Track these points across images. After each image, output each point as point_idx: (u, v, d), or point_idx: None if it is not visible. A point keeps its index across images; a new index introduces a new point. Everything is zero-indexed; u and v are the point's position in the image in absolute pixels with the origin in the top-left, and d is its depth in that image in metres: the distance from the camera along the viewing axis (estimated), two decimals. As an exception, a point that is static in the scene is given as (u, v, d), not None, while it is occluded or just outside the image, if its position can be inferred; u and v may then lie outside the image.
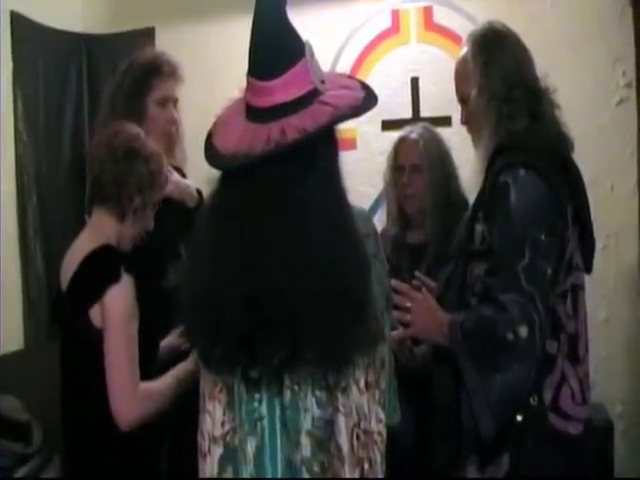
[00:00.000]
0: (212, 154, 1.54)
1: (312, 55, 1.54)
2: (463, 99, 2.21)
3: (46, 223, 3.84)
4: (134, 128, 2.34)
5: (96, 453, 2.17)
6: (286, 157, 1.46)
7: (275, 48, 1.50)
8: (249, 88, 1.53)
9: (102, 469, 2.16)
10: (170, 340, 2.42)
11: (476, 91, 2.11)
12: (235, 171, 1.52)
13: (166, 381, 2.19)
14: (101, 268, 2.14)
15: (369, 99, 1.56)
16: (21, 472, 3.26)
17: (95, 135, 2.36)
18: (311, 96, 1.50)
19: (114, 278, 2.10)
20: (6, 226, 3.72)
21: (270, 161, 1.46)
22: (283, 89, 1.49)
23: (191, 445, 1.70)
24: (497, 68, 2.09)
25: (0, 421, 3.30)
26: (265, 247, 1.46)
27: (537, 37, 3.51)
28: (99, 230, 2.23)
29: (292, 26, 1.53)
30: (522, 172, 1.98)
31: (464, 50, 2.19)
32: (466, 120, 2.23)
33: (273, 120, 1.48)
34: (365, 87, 1.60)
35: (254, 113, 1.52)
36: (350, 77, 1.71)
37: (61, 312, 2.26)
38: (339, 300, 1.45)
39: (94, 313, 2.11)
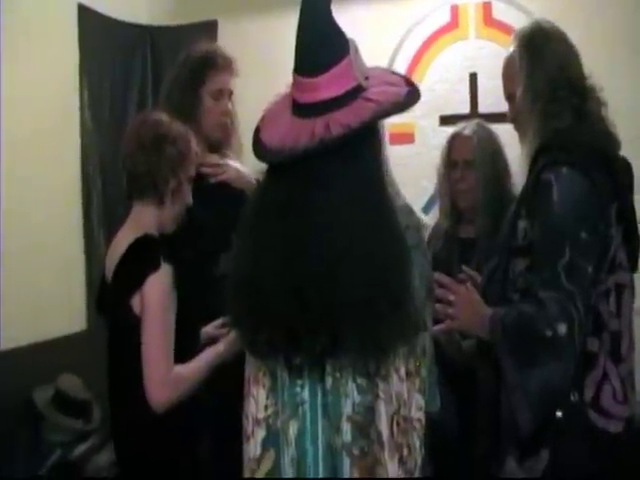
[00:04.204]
0: (259, 147, 1.60)
1: (356, 52, 1.58)
2: (510, 97, 2.22)
3: (109, 210, 3.96)
4: (157, 114, 2.40)
5: (136, 434, 2.25)
6: (330, 152, 1.50)
7: (320, 45, 1.53)
8: (295, 84, 1.58)
9: (142, 449, 2.24)
10: (209, 329, 2.48)
11: (521, 90, 2.12)
12: (280, 164, 1.57)
13: (197, 364, 2.25)
14: (141, 257, 2.21)
15: (412, 95, 1.59)
16: (81, 448, 3.39)
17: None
18: (355, 92, 1.54)
19: (153, 267, 2.16)
20: (71, 213, 3.86)
21: (314, 155, 1.50)
22: (328, 85, 1.53)
23: (234, 430, 1.76)
24: (542, 68, 2.10)
25: (62, 399, 3.43)
26: (308, 238, 1.51)
27: (595, 33, 3.50)
28: (139, 221, 2.30)
29: (337, 24, 1.57)
30: (565, 170, 1.98)
31: (511, 49, 2.21)
32: (513, 118, 2.23)
33: (318, 115, 1.52)
34: (409, 83, 1.63)
35: (300, 108, 1.56)
36: (394, 73, 1.73)
37: (105, 300, 2.34)
38: (378, 291, 1.49)
39: (135, 301, 2.18)
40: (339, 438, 1.55)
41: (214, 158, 2.82)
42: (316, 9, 1.55)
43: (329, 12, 1.56)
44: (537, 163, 2.06)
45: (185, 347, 2.25)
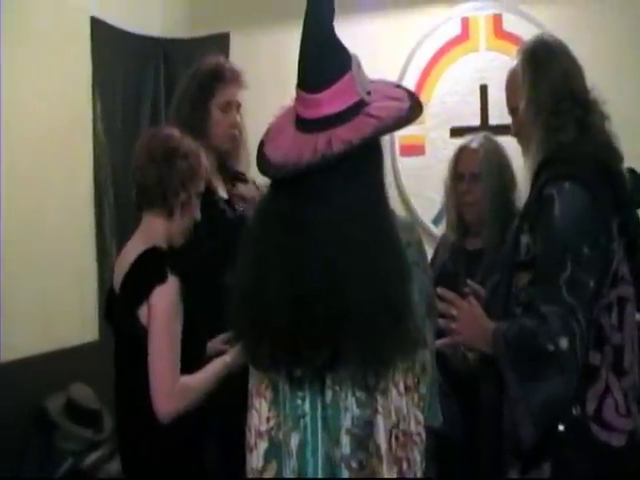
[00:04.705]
0: (263, 162, 1.61)
1: (358, 67, 1.59)
2: (513, 111, 2.23)
3: (121, 220, 3.98)
4: (168, 129, 2.45)
5: (142, 444, 2.27)
6: (332, 167, 1.52)
7: (323, 61, 1.55)
8: (298, 99, 1.59)
9: (148, 459, 2.26)
10: (215, 344, 2.49)
11: (524, 103, 2.13)
12: (283, 179, 1.59)
13: (204, 375, 2.27)
14: (148, 269, 2.24)
15: (414, 110, 1.60)
16: (92, 457, 3.41)
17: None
18: (357, 107, 1.56)
19: (160, 279, 2.19)
20: (83, 223, 3.90)
21: (316, 171, 1.52)
22: (330, 101, 1.54)
23: (238, 440, 1.77)
24: (545, 81, 2.10)
25: (73, 408, 3.46)
26: (309, 254, 1.53)
27: (605, 45, 3.51)
28: (148, 233, 2.33)
29: (339, 39, 1.58)
30: (567, 185, 1.99)
31: (515, 63, 2.22)
32: (516, 131, 2.25)
33: (320, 131, 1.54)
34: (412, 97, 1.65)
35: (303, 124, 1.58)
36: (398, 86, 1.75)
37: (113, 310, 2.37)
38: (379, 306, 1.51)
39: (141, 312, 2.21)
40: (338, 451, 1.56)
41: (249, 190, 2.85)
42: (319, 25, 1.57)
43: (332, 28, 1.58)
44: (540, 177, 2.07)
45: (192, 358, 2.27)
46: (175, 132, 2.40)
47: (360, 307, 1.50)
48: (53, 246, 3.66)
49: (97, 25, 3.94)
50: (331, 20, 1.58)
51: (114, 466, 3.37)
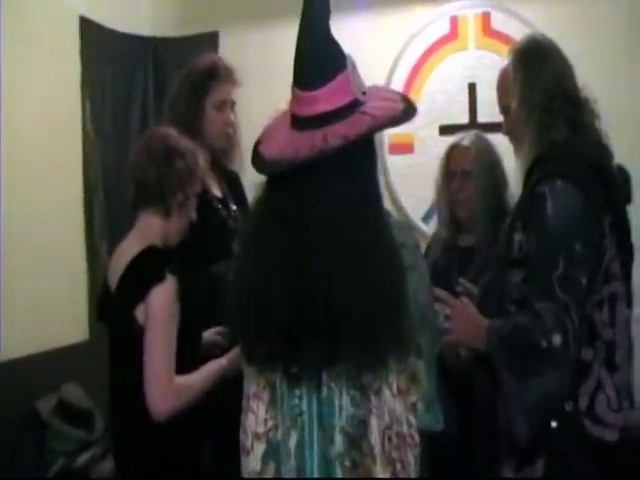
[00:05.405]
0: (258, 160, 1.62)
1: (353, 67, 1.61)
2: (505, 110, 2.25)
3: (111, 221, 3.98)
4: (167, 129, 2.45)
5: (136, 443, 2.27)
6: (327, 164, 1.54)
7: (319, 59, 1.56)
8: (294, 99, 1.60)
9: (142, 459, 2.25)
10: (209, 334, 2.51)
11: (516, 102, 2.15)
12: (279, 176, 1.59)
13: (199, 376, 2.27)
14: (146, 269, 2.23)
15: (407, 111, 1.62)
16: (83, 457, 3.41)
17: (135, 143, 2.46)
18: (352, 106, 1.57)
19: (158, 278, 2.19)
20: (73, 223, 3.89)
21: (312, 167, 1.53)
22: (326, 99, 1.55)
23: (234, 440, 1.77)
24: (537, 80, 2.12)
25: (65, 408, 3.46)
26: (305, 250, 1.54)
27: (596, 43, 3.53)
28: (144, 231, 2.32)
29: (335, 39, 1.59)
30: (559, 183, 2.01)
31: (505, 62, 2.24)
32: (508, 130, 2.26)
33: (317, 128, 1.55)
34: (404, 99, 1.67)
35: (299, 122, 1.59)
36: (391, 90, 1.79)
37: (108, 309, 2.36)
38: (376, 302, 1.52)
39: (139, 311, 2.20)
40: (332, 449, 1.57)
41: None
42: (315, 23, 1.58)
43: (327, 26, 1.59)
44: (532, 175, 2.09)
45: (187, 357, 2.27)
46: (173, 132, 2.40)
47: (358, 304, 1.51)
48: (43, 246, 3.65)
49: (86, 24, 3.94)
50: (327, 19, 1.59)
51: (106, 466, 3.37)
